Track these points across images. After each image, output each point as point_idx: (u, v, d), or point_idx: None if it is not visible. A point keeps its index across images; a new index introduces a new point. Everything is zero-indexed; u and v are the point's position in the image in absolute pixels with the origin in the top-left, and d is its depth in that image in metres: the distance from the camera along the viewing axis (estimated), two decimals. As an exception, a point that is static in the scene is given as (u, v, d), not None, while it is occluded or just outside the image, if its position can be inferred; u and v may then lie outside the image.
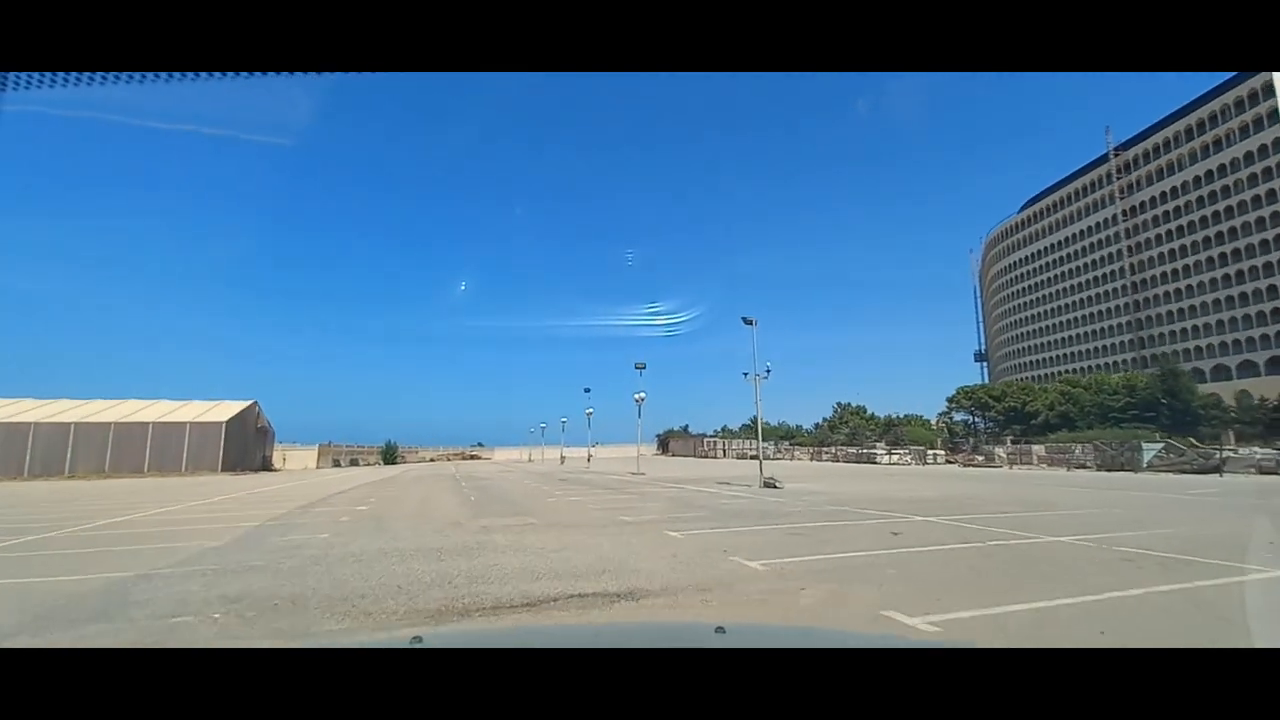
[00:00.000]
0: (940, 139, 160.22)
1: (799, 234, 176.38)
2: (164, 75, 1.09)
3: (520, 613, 5.25)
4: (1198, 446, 26.51)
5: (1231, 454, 25.91)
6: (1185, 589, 5.76)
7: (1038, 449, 45.94)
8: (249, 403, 56.19)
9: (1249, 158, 75.71)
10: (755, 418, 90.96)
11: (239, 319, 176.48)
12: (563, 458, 54.45)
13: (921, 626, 4.65)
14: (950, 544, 8.47)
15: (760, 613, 5.23)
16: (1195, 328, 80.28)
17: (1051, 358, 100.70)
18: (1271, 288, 72.94)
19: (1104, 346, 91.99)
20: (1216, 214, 79.09)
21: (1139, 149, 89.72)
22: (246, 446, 54.54)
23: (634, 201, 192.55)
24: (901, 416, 72.71)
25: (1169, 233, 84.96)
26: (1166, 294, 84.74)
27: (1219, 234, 78.79)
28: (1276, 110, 73.06)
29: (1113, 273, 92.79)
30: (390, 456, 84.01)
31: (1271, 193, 73.08)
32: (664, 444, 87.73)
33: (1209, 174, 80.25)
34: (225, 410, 52.65)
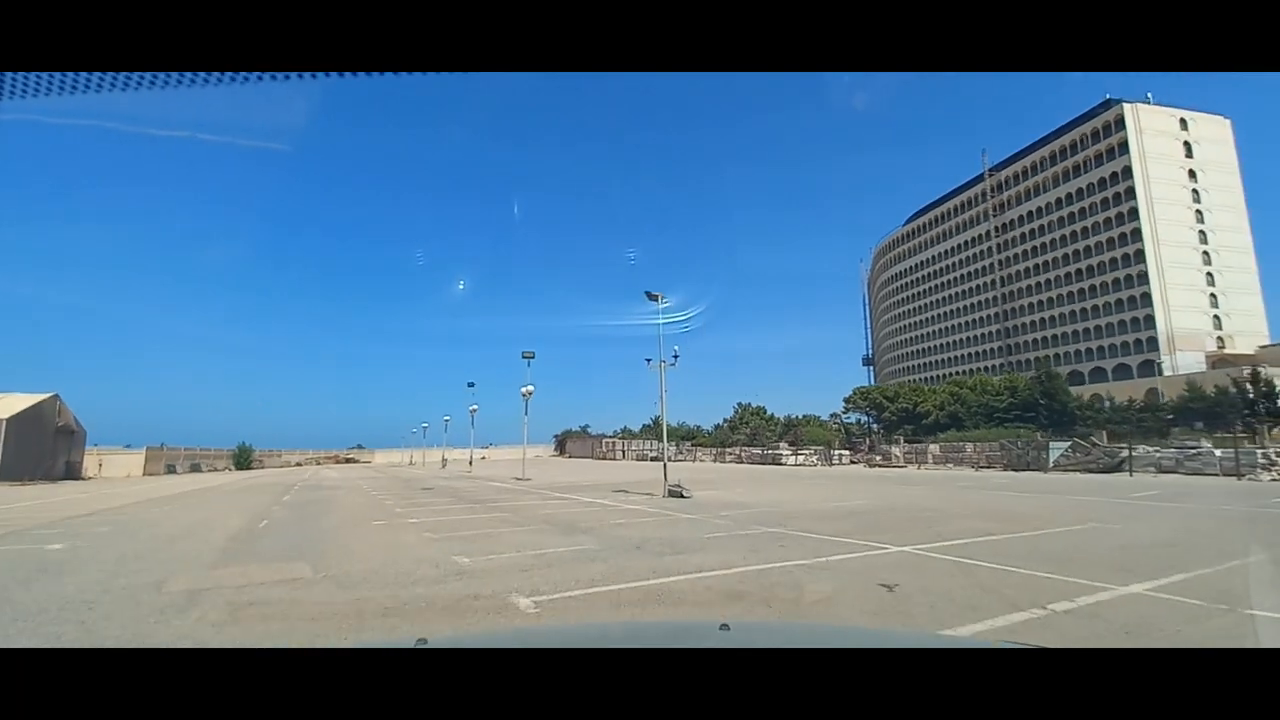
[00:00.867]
0: (838, 148, 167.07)
1: (700, 236, 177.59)
2: (159, 80, 1.13)
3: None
4: (1100, 445, 25.89)
5: (1131, 453, 25.44)
6: None
7: (933, 448, 46.04)
8: (46, 396, 45.45)
9: (1101, 183, 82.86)
10: (658, 417, 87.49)
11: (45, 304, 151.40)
12: (445, 461, 48.40)
13: None
14: (991, 609, 4.88)
15: None
16: (1054, 336, 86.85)
17: (932, 362, 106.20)
18: (1119, 302, 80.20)
19: (978, 352, 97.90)
20: (1074, 233, 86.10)
21: (1010, 170, 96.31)
22: (42, 449, 43.91)
23: (532, 199, 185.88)
24: (800, 417, 72.54)
25: (1033, 249, 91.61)
26: (1030, 305, 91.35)
27: (1075, 252, 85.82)
28: (1125, 142, 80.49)
29: (986, 284, 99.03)
30: (244, 460, 73.02)
31: (1120, 216, 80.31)
32: (561, 445, 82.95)
33: (1069, 196, 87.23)
34: (9, 404, 41.97)
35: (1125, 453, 24.80)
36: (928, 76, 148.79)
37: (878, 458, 48.58)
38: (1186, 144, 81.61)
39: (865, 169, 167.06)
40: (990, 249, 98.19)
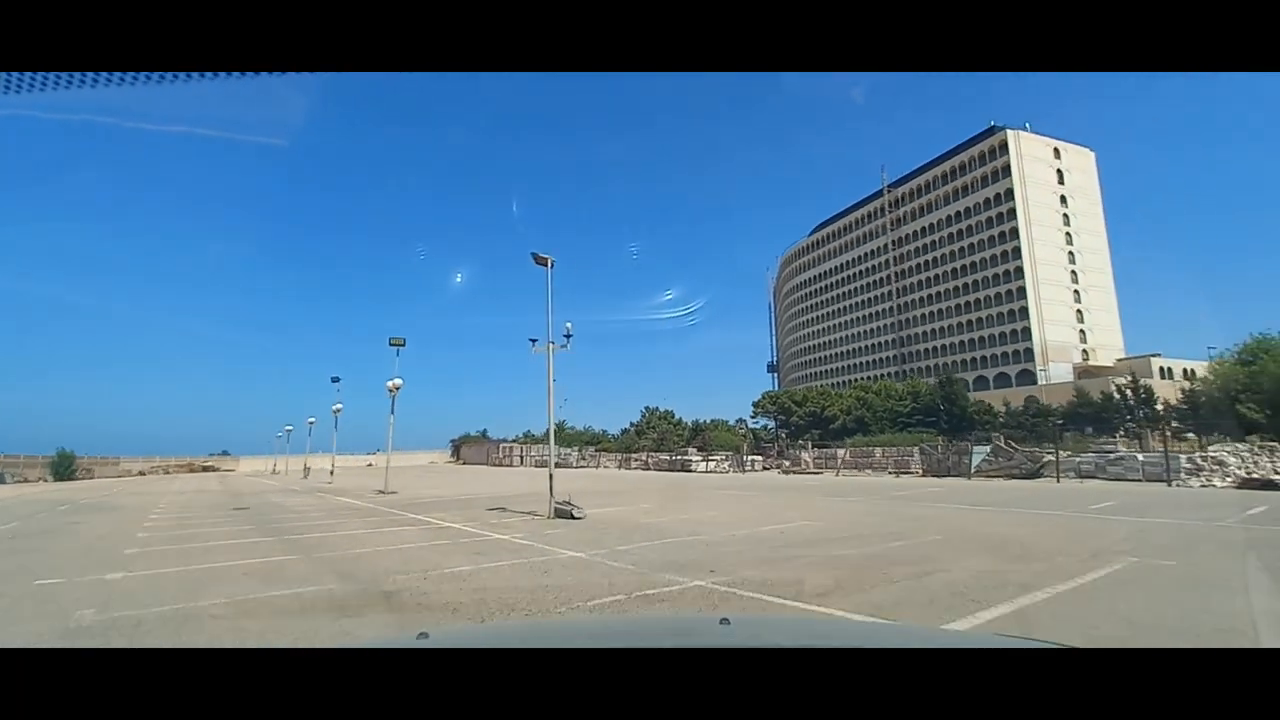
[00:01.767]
0: (747, 158, 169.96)
1: (615, 237, 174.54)
2: (156, 76, 1.11)
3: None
4: (1021, 450, 24.48)
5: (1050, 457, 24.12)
6: None
7: (842, 453, 44.79)
8: None
9: (986, 203, 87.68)
10: (562, 421, 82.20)
11: None
12: (307, 470, 41.33)
13: None
14: None
15: None
16: (944, 346, 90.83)
17: (832, 369, 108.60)
18: (1000, 315, 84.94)
19: (876, 360, 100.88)
20: (962, 249, 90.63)
21: (906, 187, 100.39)
22: None
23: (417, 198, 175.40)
24: (708, 421, 70.45)
25: (926, 263, 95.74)
26: (923, 316, 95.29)
27: (963, 267, 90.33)
28: (1008, 166, 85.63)
29: (883, 295, 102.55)
30: (64, 470, 60.81)
31: (1002, 234, 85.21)
32: (457, 450, 76.20)
33: (958, 214, 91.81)
34: None
35: (1047, 457, 23.47)
36: (842, 88, 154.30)
37: (787, 463, 46.79)
38: (1059, 171, 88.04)
39: (775, 177, 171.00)
40: (888, 261, 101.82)
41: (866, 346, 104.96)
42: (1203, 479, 19.20)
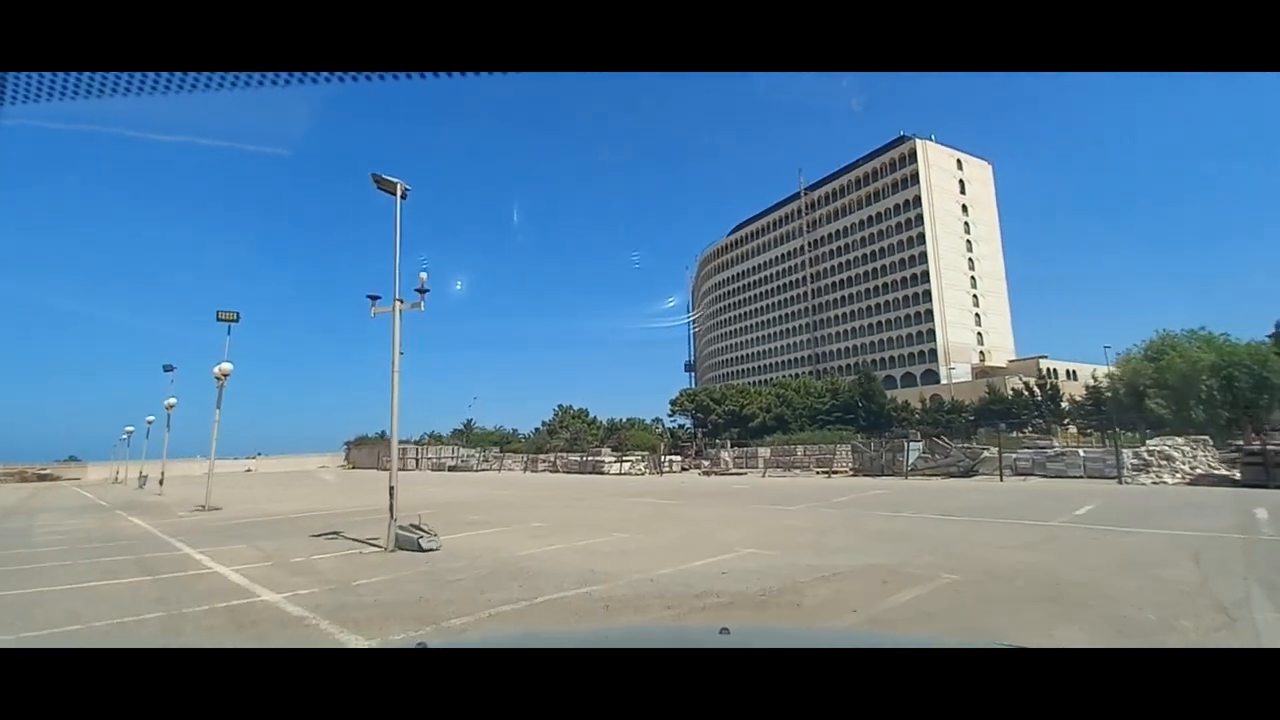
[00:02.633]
0: (668, 158, 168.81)
1: (534, 236, 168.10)
2: (161, 83, 1.13)
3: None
4: (957, 446, 22.66)
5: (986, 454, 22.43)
6: None
7: (763, 452, 42.71)
8: None
9: (896, 209, 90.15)
10: (470, 421, 76.11)
11: None
12: (143, 477, 34.15)
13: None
14: None
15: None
16: (856, 346, 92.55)
17: (748, 369, 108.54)
18: (908, 317, 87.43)
19: (791, 359, 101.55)
20: (873, 253, 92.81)
21: (822, 190, 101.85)
22: None
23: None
24: (624, 420, 67.18)
25: (840, 265, 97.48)
26: (836, 317, 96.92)
27: (874, 270, 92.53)
28: (916, 174, 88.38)
29: (799, 295, 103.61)
30: None
31: (910, 239, 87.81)
32: (349, 453, 68.58)
33: (870, 219, 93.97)
34: None
35: (985, 454, 21.75)
36: (770, 89, 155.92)
37: (706, 463, 44.20)
38: (961, 181, 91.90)
39: (698, 177, 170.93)
40: (804, 263, 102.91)
41: (782, 346, 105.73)
42: (1152, 475, 17.75)
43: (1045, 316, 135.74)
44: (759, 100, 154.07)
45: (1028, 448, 21.80)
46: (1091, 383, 39.71)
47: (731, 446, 48.60)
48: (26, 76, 1.12)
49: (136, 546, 10.36)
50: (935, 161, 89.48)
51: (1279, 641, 4.13)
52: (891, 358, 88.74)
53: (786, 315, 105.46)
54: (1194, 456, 18.91)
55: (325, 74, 1.09)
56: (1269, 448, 15.25)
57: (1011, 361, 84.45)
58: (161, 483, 27.24)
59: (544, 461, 40.99)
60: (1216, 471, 17.76)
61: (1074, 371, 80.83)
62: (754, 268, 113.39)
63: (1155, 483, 17.41)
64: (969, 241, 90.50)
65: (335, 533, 11.13)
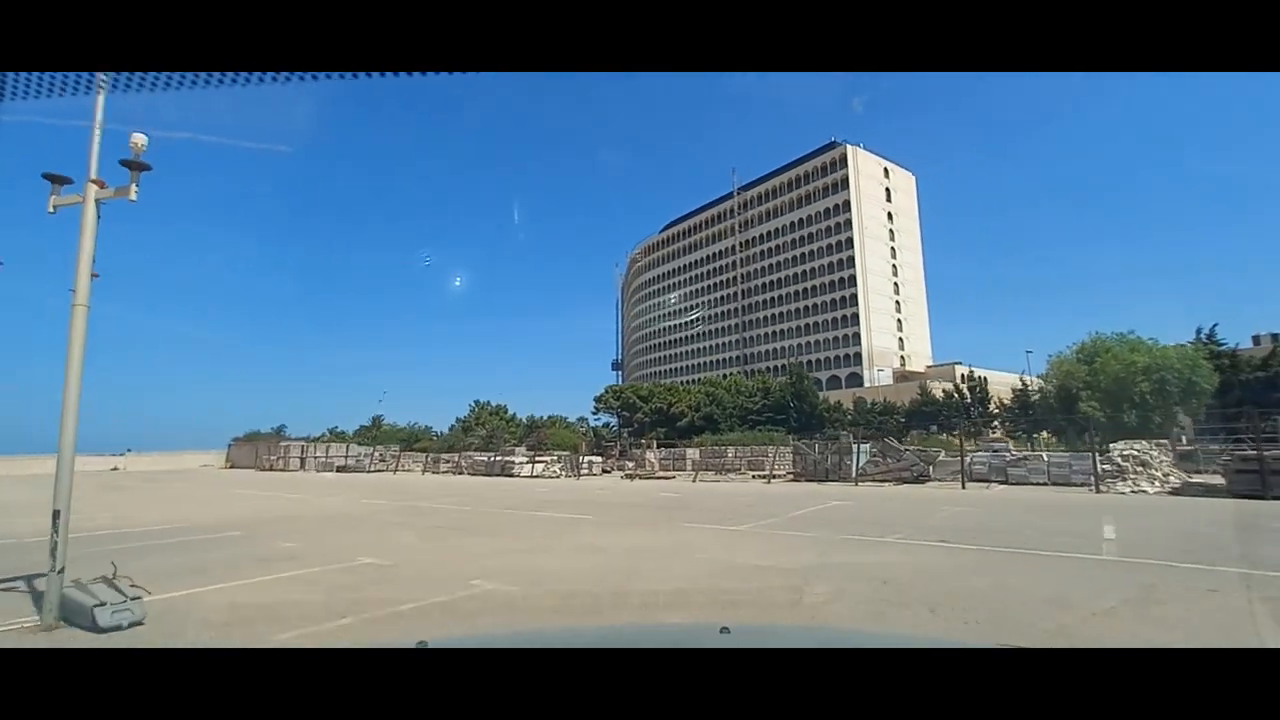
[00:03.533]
0: (600, 154, 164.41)
1: (454, 227, 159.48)
2: (163, 80, 1.13)
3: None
4: (908, 448, 20.13)
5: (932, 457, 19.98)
6: None
7: (692, 453, 39.61)
8: None
9: (826, 213, 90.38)
10: (377, 417, 68.86)
11: None
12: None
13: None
14: None
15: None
16: (783, 348, 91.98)
17: (676, 369, 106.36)
18: (834, 320, 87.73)
19: (719, 360, 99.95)
20: (802, 255, 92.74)
21: (755, 191, 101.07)
22: None
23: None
24: (545, 418, 62.62)
25: (769, 266, 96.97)
26: (765, 318, 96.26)
27: (802, 272, 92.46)
28: (846, 179, 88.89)
29: (729, 295, 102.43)
30: None
31: (839, 243, 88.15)
32: (230, 451, 60.22)
33: (799, 221, 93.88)
34: None
35: (942, 456, 19.29)
36: (707, 88, 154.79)
37: (631, 464, 40.70)
38: (887, 190, 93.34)
39: (632, 174, 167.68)
40: (735, 263, 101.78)
41: (711, 346, 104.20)
42: (1129, 483, 15.60)
43: (958, 327, 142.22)
44: (694, 96, 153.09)
45: (983, 451, 19.54)
46: (1017, 387, 39.20)
47: (658, 447, 45.39)
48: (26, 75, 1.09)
49: None
50: (864, 169, 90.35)
51: None
52: (818, 360, 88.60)
53: (716, 315, 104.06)
54: (1162, 462, 17.06)
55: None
56: (1267, 454, 13.21)
57: (929, 367, 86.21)
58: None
59: (447, 462, 36.07)
60: (1194, 480, 15.85)
61: (985, 378, 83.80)
62: (685, 266, 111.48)
63: (1134, 491, 15.27)
64: (893, 249, 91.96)
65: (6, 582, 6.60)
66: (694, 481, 23.05)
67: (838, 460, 20.40)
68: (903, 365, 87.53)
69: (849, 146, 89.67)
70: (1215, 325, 34.53)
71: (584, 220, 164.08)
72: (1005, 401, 39.67)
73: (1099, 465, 16.47)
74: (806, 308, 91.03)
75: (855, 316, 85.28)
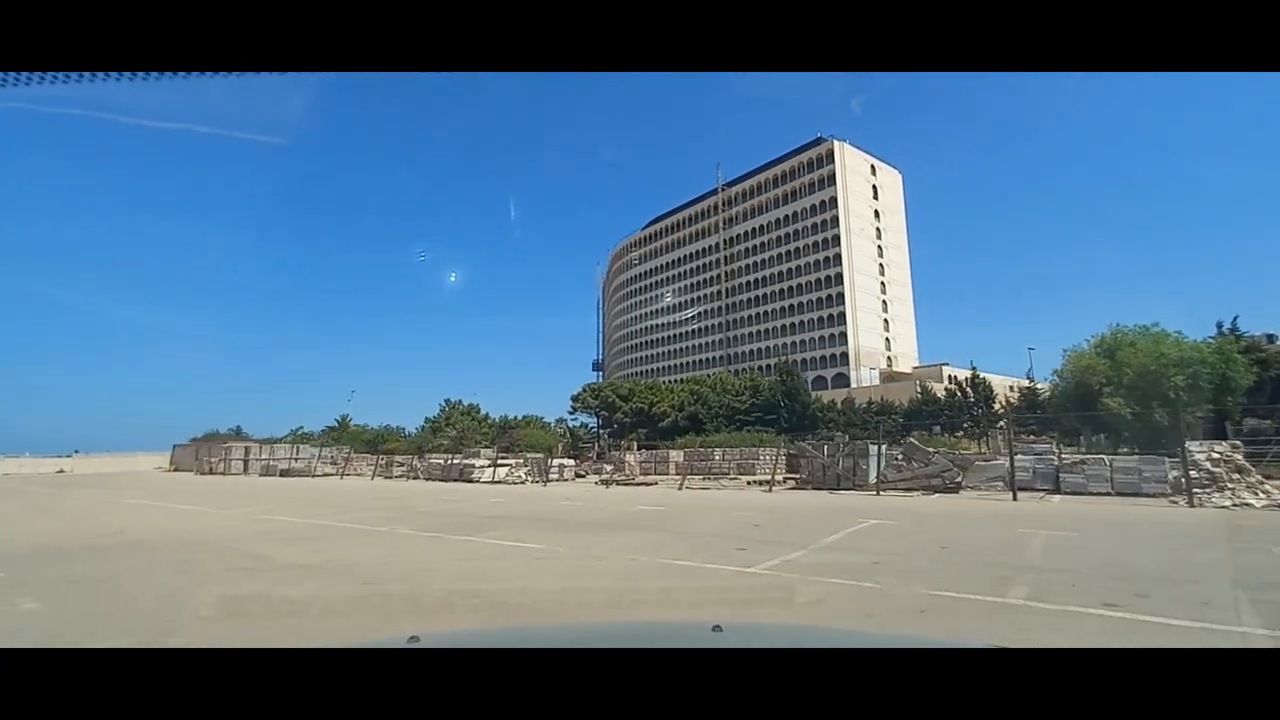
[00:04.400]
0: (579, 153, 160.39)
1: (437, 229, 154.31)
2: (155, 73, 1.10)
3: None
4: (929, 451, 16.73)
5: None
6: None
7: (675, 456, 36.02)
8: None
9: (812, 210, 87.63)
10: (343, 417, 64.39)
11: None
12: None
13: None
14: None
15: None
16: (768, 348, 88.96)
17: (658, 368, 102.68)
18: (821, 319, 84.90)
19: (703, 360, 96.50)
20: (788, 253, 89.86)
21: (740, 187, 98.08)
22: None
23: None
24: (519, 418, 58.67)
25: (754, 264, 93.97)
26: (749, 317, 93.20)
27: (788, 270, 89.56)
28: (833, 175, 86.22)
29: (713, 294, 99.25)
30: None
31: (825, 240, 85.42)
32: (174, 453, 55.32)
33: (785, 218, 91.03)
34: None
35: (978, 462, 15.93)
36: (682, 85, 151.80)
37: (609, 468, 37.01)
38: (874, 187, 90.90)
39: (615, 169, 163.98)
40: (719, 260, 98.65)
41: (694, 346, 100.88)
42: (1230, 495, 12.34)
43: (943, 329, 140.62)
44: (677, 92, 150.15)
45: (1024, 454, 16.25)
46: (1011, 387, 36.27)
47: (639, 448, 41.79)
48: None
49: None
50: (851, 165, 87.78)
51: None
52: (804, 360, 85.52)
53: (700, 314, 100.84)
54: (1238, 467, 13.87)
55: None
56: None
57: (916, 368, 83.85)
58: None
59: (401, 465, 32.01)
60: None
61: (969, 378, 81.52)
62: (667, 264, 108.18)
63: (1237, 505, 12.02)
64: (880, 247, 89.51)
65: None
66: (680, 488, 19.42)
67: (851, 464, 16.97)
68: (890, 366, 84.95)
69: (836, 142, 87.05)
70: (1236, 318, 31.96)
71: (564, 218, 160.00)
72: (1011, 400, 36.72)
73: (1178, 472, 13.20)
74: (792, 306, 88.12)
75: (842, 315, 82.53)
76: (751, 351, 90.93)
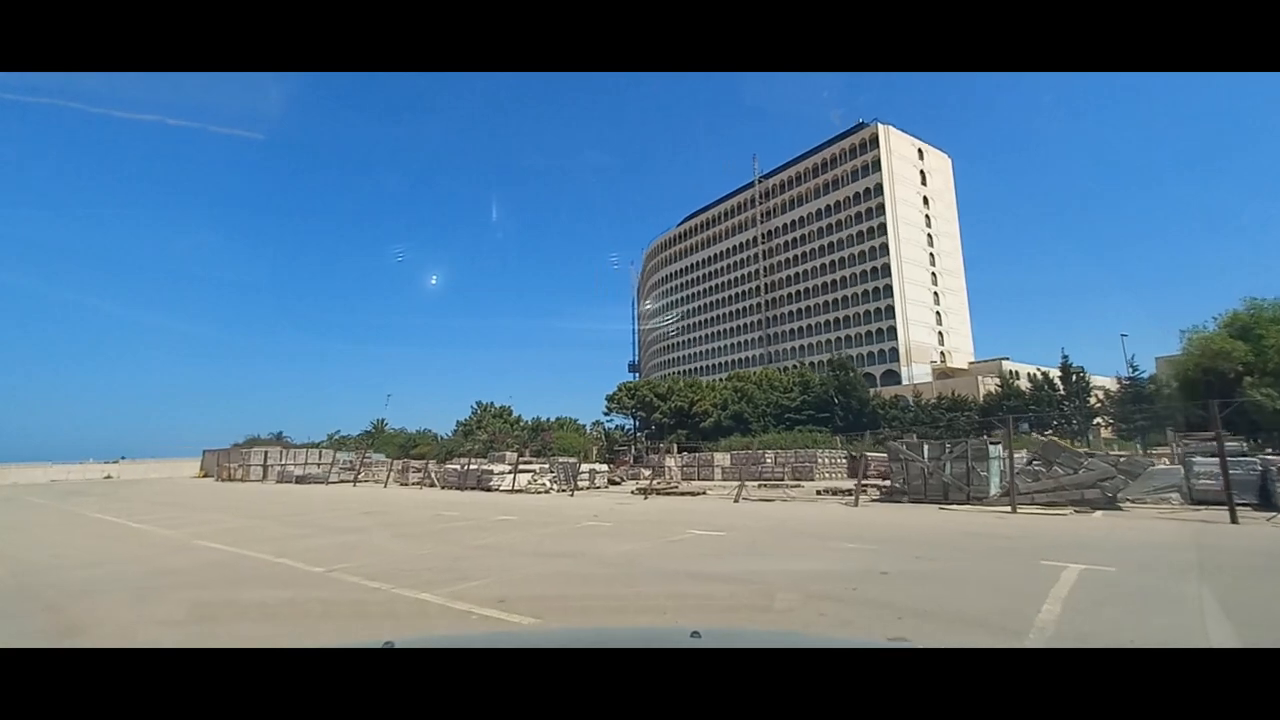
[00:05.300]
0: (619, 148, 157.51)
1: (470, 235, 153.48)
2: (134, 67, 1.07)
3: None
4: (1078, 453, 12.31)
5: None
6: None
7: (720, 459, 32.04)
8: None
9: (855, 198, 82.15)
10: (380, 421, 62.72)
11: None
12: None
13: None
14: None
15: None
16: (811, 345, 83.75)
17: (697, 368, 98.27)
18: (867, 313, 79.28)
19: (742, 359, 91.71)
20: (830, 245, 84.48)
21: (777, 179, 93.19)
22: None
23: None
24: (552, 420, 55.47)
25: (794, 258, 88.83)
26: (790, 313, 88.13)
27: (831, 263, 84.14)
28: (878, 160, 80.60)
29: (751, 290, 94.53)
30: None
31: (871, 230, 79.81)
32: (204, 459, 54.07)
33: (827, 208, 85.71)
34: None
35: (1155, 465, 11.54)
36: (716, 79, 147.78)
37: (647, 472, 33.23)
38: (922, 172, 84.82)
39: (643, 171, 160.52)
40: (757, 255, 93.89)
41: (733, 345, 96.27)
42: None
43: (1001, 319, 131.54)
44: (711, 87, 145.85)
45: (1203, 457, 11.69)
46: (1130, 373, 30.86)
47: (678, 450, 37.90)
48: None
49: None
50: (897, 149, 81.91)
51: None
52: (851, 357, 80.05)
53: (738, 311, 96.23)
54: None
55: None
56: None
57: (972, 363, 77.56)
58: None
59: (417, 471, 28.84)
60: None
61: (1038, 373, 74.71)
62: (704, 260, 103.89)
63: None
64: (930, 236, 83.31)
65: None
66: (737, 501, 15.40)
67: (963, 470, 12.72)
68: (943, 361, 78.66)
69: (880, 125, 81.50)
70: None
71: (594, 219, 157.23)
72: (1110, 391, 31.37)
73: None
74: (836, 300, 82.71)
75: (890, 309, 76.72)
76: (793, 349, 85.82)
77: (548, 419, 53.90)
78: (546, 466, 23.11)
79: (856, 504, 13.25)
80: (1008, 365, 75.82)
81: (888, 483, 14.43)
